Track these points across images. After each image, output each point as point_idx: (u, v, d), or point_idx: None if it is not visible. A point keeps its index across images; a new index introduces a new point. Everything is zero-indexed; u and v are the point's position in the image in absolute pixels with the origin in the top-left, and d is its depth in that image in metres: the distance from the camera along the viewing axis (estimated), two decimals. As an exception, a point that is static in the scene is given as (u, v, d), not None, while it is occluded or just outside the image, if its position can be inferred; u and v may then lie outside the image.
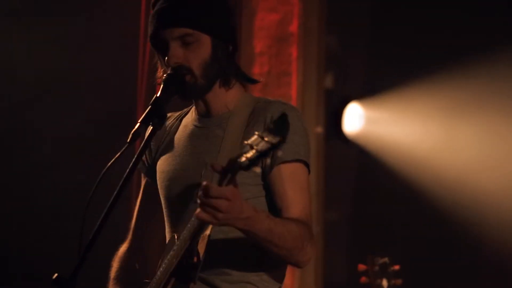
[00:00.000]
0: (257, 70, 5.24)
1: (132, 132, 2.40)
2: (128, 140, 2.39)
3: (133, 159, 2.42)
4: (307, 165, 2.55)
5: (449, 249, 5.20)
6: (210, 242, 2.42)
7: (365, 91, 5.46)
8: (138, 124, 2.43)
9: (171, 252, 2.43)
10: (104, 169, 2.34)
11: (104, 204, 2.34)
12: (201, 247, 2.41)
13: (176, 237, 2.50)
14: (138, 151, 2.44)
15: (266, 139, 2.06)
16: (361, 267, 4.02)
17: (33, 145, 5.19)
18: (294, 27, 5.30)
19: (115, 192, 2.35)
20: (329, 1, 5.43)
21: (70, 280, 2.24)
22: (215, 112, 2.63)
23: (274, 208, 2.52)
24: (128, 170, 2.39)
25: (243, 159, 2.09)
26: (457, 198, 5.00)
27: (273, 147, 2.06)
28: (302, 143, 2.53)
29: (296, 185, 2.51)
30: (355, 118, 5.44)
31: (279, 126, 2.07)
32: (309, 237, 2.45)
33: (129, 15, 5.18)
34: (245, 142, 2.10)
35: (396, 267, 3.99)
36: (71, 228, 2.61)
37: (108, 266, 2.84)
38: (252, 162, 2.08)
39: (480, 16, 5.05)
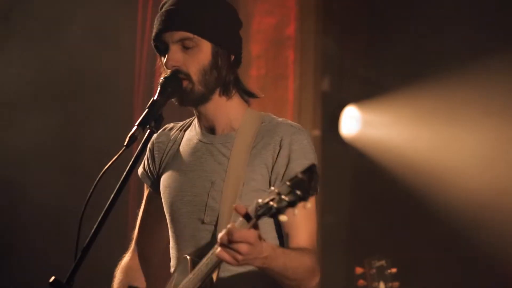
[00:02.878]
0: (254, 73, 5.24)
1: (129, 135, 2.40)
2: (125, 143, 2.39)
3: (130, 163, 2.42)
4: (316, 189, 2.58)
5: (446, 252, 5.20)
6: (221, 267, 2.45)
7: (362, 94, 5.46)
8: (135, 127, 2.42)
9: (186, 280, 2.43)
10: (101, 173, 2.33)
11: (101, 207, 2.34)
12: (214, 273, 2.43)
13: (189, 260, 2.50)
14: (135, 155, 2.44)
15: (298, 192, 2.06)
16: (358, 270, 4.02)
17: (33, 146, 5.19)
18: (291, 30, 5.31)
19: (112, 196, 2.34)
20: (326, 5, 5.44)
21: (66, 283, 2.24)
22: (219, 129, 2.61)
23: (281, 228, 2.55)
24: (125, 173, 2.39)
25: (271, 206, 2.09)
26: (454, 200, 5.01)
27: (303, 199, 2.07)
28: None
29: (304, 212, 2.51)
30: (352, 121, 5.44)
31: (311, 177, 2.07)
32: (316, 266, 2.50)
33: (126, 17, 5.18)
34: (275, 189, 2.10)
35: (393, 270, 3.99)
36: (68, 231, 2.60)
37: (105, 269, 2.83)
38: (279, 211, 2.08)
39: (477, 19, 5.06)
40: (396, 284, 3.97)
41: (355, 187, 5.54)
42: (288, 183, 2.08)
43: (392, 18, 5.32)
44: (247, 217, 2.17)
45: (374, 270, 3.98)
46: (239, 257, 2.18)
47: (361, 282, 4.00)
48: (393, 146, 5.29)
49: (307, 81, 5.35)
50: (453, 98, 5.07)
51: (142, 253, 2.80)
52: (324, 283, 5.34)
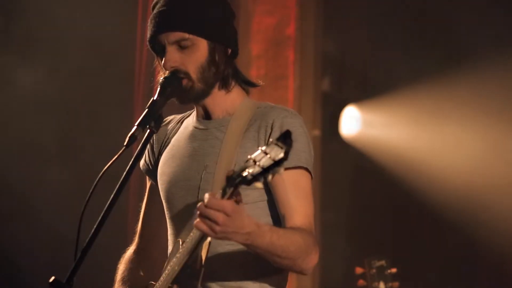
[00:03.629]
0: (254, 73, 5.24)
1: (129, 135, 2.40)
2: (125, 143, 2.39)
3: (130, 162, 2.42)
4: (309, 171, 2.55)
5: (446, 251, 5.21)
6: (212, 248, 2.43)
7: (362, 95, 5.47)
8: (135, 127, 2.42)
9: (174, 259, 2.43)
10: (101, 172, 2.33)
11: (101, 207, 2.34)
12: (203, 253, 2.41)
13: (180, 243, 2.49)
14: (135, 154, 2.44)
15: (269, 155, 2.06)
16: (359, 270, 4.02)
17: (33, 147, 5.20)
18: (291, 30, 5.31)
19: (112, 195, 2.34)
20: (326, 5, 5.44)
21: (66, 283, 2.24)
22: (215, 116, 2.62)
23: (276, 212, 2.53)
24: (125, 173, 2.39)
25: (246, 174, 2.09)
26: (454, 200, 5.01)
27: (276, 164, 2.06)
28: (304, 150, 2.52)
29: (299, 192, 2.50)
30: (352, 121, 5.45)
31: (283, 142, 2.06)
32: (312, 245, 2.45)
33: (126, 16, 5.18)
34: (249, 156, 2.09)
35: (393, 270, 3.99)
36: (68, 231, 2.61)
37: (105, 269, 2.83)
38: (254, 177, 2.08)
39: (475, 20, 5.07)
40: (396, 284, 3.98)
41: (355, 186, 5.55)
42: (262, 149, 2.08)
43: (392, 19, 5.32)
44: (224, 186, 2.16)
45: (374, 270, 3.99)
46: (217, 227, 2.16)
47: (361, 282, 4.01)
48: (392, 146, 5.30)
49: (307, 81, 5.35)
50: (452, 98, 5.08)
51: (145, 245, 2.80)
52: (324, 282, 5.35)
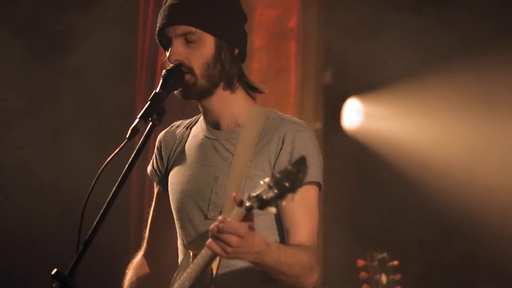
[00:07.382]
0: (256, 66, 5.24)
1: (131, 127, 2.40)
2: (127, 135, 2.39)
3: (132, 155, 2.42)
4: (319, 185, 2.58)
5: (447, 244, 5.21)
6: (222, 264, 2.47)
7: (364, 87, 5.46)
8: (137, 119, 2.42)
9: (184, 274, 2.43)
10: (104, 165, 2.34)
11: (103, 199, 2.34)
12: (214, 266, 2.46)
13: (191, 255, 2.51)
14: (137, 147, 2.44)
15: (286, 183, 2.07)
16: (360, 262, 4.03)
17: (33, 140, 5.20)
18: (293, 22, 5.30)
19: (114, 189, 2.35)
20: (328, -3, 5.43)
21: (68, 275, 2.24)
22: (224, 124, 2.62)
23: (280, 224, 2.55)
24: (127, 166, 2.39)
25: (261, 198, 2.10)
26: (456, 193, 5.01)
27: (291, 190, 2.08)
28: (315, 164, 2.56)
29: (305, 208, 2.53)
30: (354, 114, 5.44)
31: (298, 169, 2.08)
32: (315, 263, 2.49)
33: (128, 9, 5.18)
34: (264, 181, 2.11)
35: (395, 262, 3.99)
36: (70, 223, 2.61)
37: (108, 263, 2.85)
38: (268, 203, 2.10)
39: (477, 16, 5.06)
40: (398, 276, 3.98)
41: (357, 179, 5.54)
42: (278, 175, 2.09)
43: (394, 11, 5.31)
44: (239, 209, 2.18)
45: (376, 263, 3.99)
46: (229, 249, 2.18)
47: (363, 274, 4.01)
48: (395, 138, 5.29)
49: (309, 73, 5.35)
50: (455, 90, 5.07)
51: (153, 251, 2.81)
52: (326, 274, 5.36)
